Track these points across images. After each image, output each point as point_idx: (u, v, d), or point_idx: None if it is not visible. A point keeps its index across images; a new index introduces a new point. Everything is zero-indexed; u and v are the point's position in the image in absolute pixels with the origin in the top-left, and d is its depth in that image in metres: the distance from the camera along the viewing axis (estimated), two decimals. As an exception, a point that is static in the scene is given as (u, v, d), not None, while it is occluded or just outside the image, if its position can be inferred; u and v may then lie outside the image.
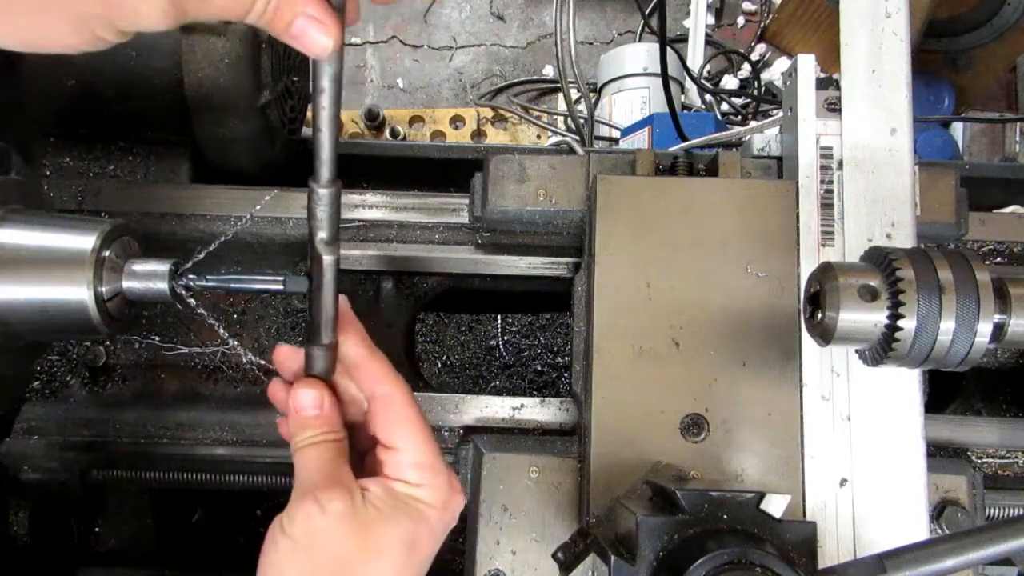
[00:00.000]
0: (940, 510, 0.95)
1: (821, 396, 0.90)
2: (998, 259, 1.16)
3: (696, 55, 2.49)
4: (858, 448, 0.88)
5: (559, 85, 2.07)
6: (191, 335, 1.21)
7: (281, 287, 0.73)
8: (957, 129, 2.32)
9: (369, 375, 0.69)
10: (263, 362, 1.18)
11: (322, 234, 0.66)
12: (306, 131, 1.62)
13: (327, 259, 0.66)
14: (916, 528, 0.87)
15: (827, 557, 0.86)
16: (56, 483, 1.10)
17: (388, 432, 0.68)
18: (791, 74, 1.00)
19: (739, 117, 2.41)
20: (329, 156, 0.62)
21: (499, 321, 1.44)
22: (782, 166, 1.03)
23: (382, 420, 0.68)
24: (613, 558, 0.69)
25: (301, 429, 0.68)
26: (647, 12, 2.42)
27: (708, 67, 2.54)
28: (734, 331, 0.91)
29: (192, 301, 0.95)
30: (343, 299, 0.71)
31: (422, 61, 2.77)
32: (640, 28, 2.67)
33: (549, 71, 2.71)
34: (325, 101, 0.59)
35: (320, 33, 0.51)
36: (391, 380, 0.69)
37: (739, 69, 2.64)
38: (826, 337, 0.74)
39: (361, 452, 0.72)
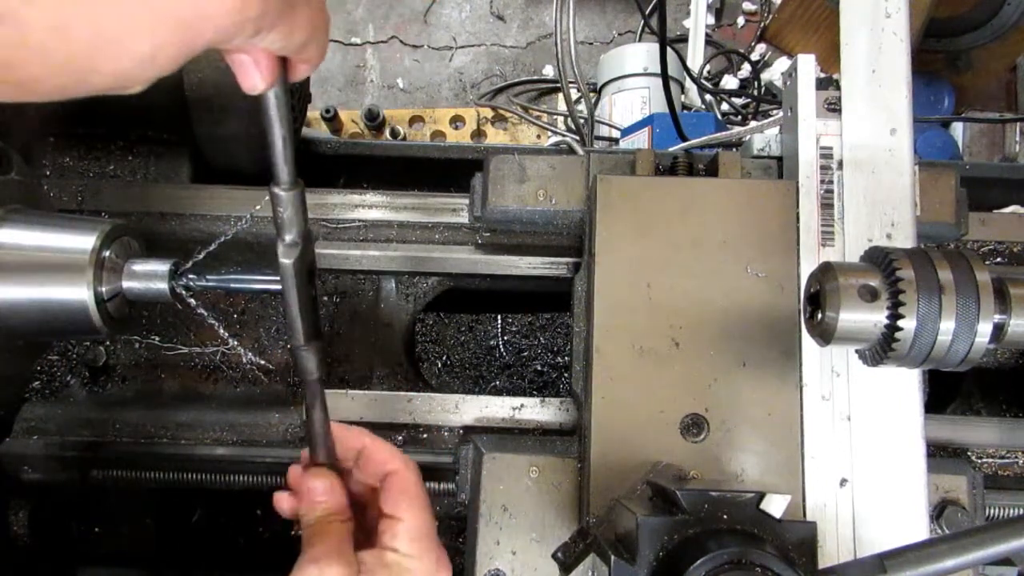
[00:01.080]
0: (940, 510, 0.95)
1: (821, 396, 0.90)
2: (998, 259, 1.16)
3: (696, 55, 2.49)
4: (858, 448, 0.88)
5: (559, 85, 2.07)
6: (191, 335, 1.21)
7: (279, 287, 0.73)
8: (957, 129, 2.32)
9: (378, 460, 0.77)
10: (263, 362, 1.19)
11: (288, 237, 0.66)
12: (306, 131, 1.62)
13: (285, 262, 0.66)
14: (916, 528, 0.87)
15: (827, 557, 0.86)
16: (56, 483, 1.10)
17: (393, 503, 0.74)
18: (791, 74, 1.00)
19: (739, 117, 2.41)
20: (287, 157, 0.62)
21: (499, 321, 1.44)
22: (782, 166, 1.03)
23: (389, 493, 0.75)
24: (613, 558, 0.69)
25: (312, 510, 0.74)
26: (647, 12, 2.42)
27: (708, 67, 2.54)
28: (734, 331, 0.91)
29: (192, 301, 0.95)
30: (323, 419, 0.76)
31: (422, 61, 2.77)
32: (640, 28, 2.67)
33: (549, 71, 2.71)
34: (274, 103, 0.59)
35: (256, 74, 0.55)
36: (400, 459, 0.77)
37: (739, 69, 2.64)
38: (826, 337, 0.74)
39: (368, 530, 0.78)
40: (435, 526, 0.76)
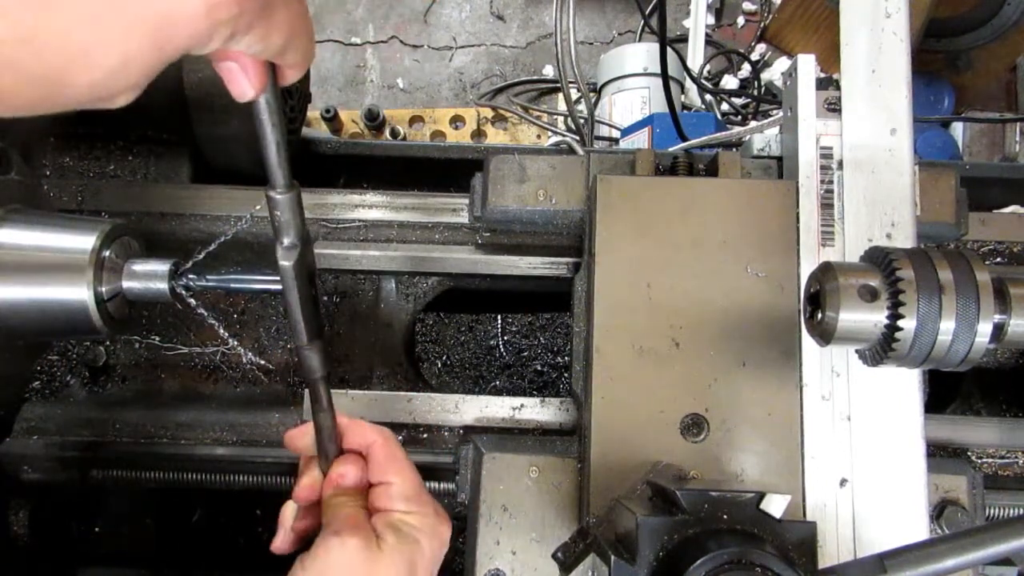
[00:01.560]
0: (940, 510, 0.95)
1: (821, 396, 0.90)
2: (998, 259, 1.16)
3: (696, 55, 2.49)
4: (858, 448, 0.88)
5: (559, 85, 2.07)
6: (191, 335, 1.21)
7: (280, 287, 0.73)
8: (957, 129, 2.32)
9: (359, 435, 0.81)
10: (262, 362, 1.19)
11: (286, 240, 0.66)
12: (306, 131, 1.62)
13: (285, 265, 0.67)
14: (916, 528, 0.87)
15: (827, 557, 0.86)
16: (56, 483, 1.10)
17: (382, 471, 0.78)
18: (791, 74, 1.00)
19: (739, 117, 2.41)
20: (281, 161, 0.62)
21: (499, 321, 1.44)
22: (782, 166, 1.03)
23: (376, 463, 0.79)
24: (613, 558, 0.69)
25: (336, 492, 0.78)
26: (647, 12, 2.43)
27: (708, 67, 2.54)
28: (734, 331, 0.91)
29: (192, 301, 0.95)
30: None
31: (422, 61, 2.77)
32: (640, 28, 2.67)
33: (549, 71, 2.71)
34: (265, 108, 0.59)
35: (245, 81, 0.56)
36: (377, 431, 0.81)
37: (739, 69, 2.64)
38: (826, 337, 0.74)
39: None
40: (423, 483, 0.80)
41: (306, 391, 0.98)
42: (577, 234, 1.08)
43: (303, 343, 0.72)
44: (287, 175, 0.63)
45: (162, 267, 0.95)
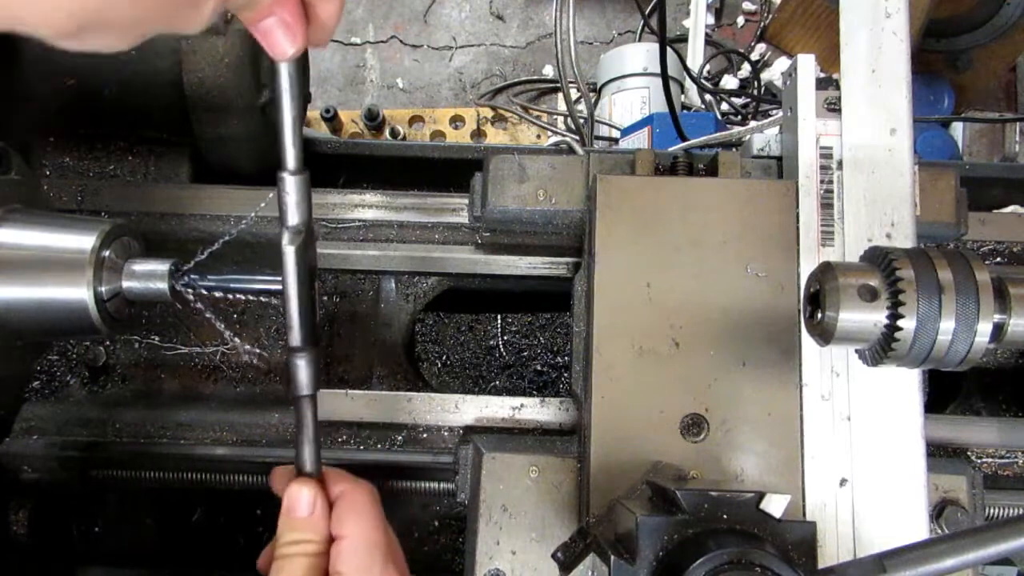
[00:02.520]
0: (940, 510, 0.95)
1: (821, 396, 0.90)
2: (998, 259, 1.16)
3: (696, 55, 2.49)
4: (858, 448, 0.88)
5: (559, 85, 2.07)
6: (191, 335, 1.21)
7: (280, 287, 0.73)
8: (957, 129, 2.32)
9: (329, 480, 0.75)
10: (258, 351, 1.19)
11: (292, 222, 0.66)
12: (307, 131, 1.62)
13: (288, 248, 0.66)
14: (916, 528, 0.87)
15: (827, 557, 0.86)
16: (56, 483, 1.10)
17: (339, 523, 0.72)
18: (791, 74, 1.00)
19: (739, 117, 2.42)
20: (295, 141, 0.62)
21: (499, 321, 1.44)
22: (782, 166, 1.03)
23: (337, 514, 0.72)
24: (613, 558, 0.69)
25: (289, 530, 0.71)
26: (647, 12, 2.43)
27: (708, 67, 2.54)
28: (734, 331, 0.91)
29: (191, 298, 0.95)
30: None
31: (422, 61, 2.77)
32: (640, 28, 2.67)
33: (549, 71, 2.72)
34: (285, 88, 0.59)
35: (285, 38, 0.53)
36: (349, 480, 0.75)
37: (739, 69, 2.64)
38: (826, 337, 0.74)
39: None
40: (388, 543, 0.73)
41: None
42: (577, 234, 1.08)
43: (296, 344, 0.70)
44: (299, 157, 0.63)
45: (162, 267, 0.95)
